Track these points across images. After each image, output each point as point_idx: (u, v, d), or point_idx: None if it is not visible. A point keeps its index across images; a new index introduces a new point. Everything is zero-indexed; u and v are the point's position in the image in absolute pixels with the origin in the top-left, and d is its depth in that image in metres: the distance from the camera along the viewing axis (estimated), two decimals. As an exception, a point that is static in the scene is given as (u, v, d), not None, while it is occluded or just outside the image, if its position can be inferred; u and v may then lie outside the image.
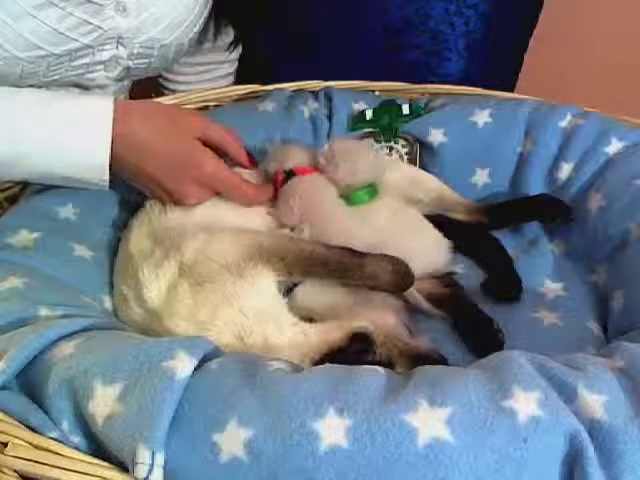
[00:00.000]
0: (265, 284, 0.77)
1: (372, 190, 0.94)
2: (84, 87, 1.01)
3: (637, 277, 0.85)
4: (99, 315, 0.76)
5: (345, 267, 0.79)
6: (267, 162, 0.96)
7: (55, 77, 0.94)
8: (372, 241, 0.86)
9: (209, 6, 1.06)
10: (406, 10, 1.25)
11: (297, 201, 0.90)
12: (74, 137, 0.79)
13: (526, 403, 0.55)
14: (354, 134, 1.09)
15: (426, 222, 0.97)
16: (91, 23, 0.90)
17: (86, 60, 0.95)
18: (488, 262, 0.97)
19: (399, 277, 0.80)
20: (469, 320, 0.86)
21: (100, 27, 0.91)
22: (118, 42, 0.96)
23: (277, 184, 0.92)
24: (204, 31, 1.09)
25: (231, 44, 1.19)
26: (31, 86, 0.93)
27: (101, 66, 0.98)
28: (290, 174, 0.93)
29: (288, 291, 0.80)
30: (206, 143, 0.86)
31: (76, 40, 0.90)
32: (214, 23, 1.10)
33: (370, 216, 0.92)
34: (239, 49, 1.25)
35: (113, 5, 0.91)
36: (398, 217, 0.94)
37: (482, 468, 0.52)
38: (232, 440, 0.54)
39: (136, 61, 1.01)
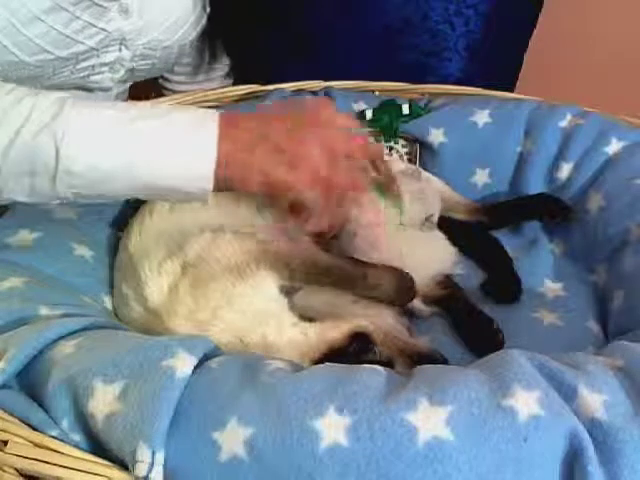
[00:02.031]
0: (267, 287, 0.77)
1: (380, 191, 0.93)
2: (88, 89, 1.01)
3: (637, 277, 0.85)
4: (99, 314, 0.76)
5: (348, 278, 0.79)
6: None
7: (61, 79, 0.94)
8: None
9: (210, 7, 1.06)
10: (406, 10, 1.25)
11: None
12: (179, 148, 0.72)
13: (526, 402, 0.55)
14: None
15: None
16: (96, 26, 0.90)
17: (91, 62, 0.95)
18: (488, 262, 0.97)
19: (401, 291, 0.79)
20: (469, 320, 0.86)
21: (105, 29, 0.92)
22: (121, 44, 0.96)
23: None
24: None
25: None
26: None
27: (106, 68, 0.98)
28: None
29: (289, 292, 0.80)
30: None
31: (82, 43, 0.90)
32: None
33: None
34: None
35: (117, 7, 0.92)
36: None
37: (482, 467, 0.52)
38: (232, 439, 0.54)
39: (139, 62, 1.01)
